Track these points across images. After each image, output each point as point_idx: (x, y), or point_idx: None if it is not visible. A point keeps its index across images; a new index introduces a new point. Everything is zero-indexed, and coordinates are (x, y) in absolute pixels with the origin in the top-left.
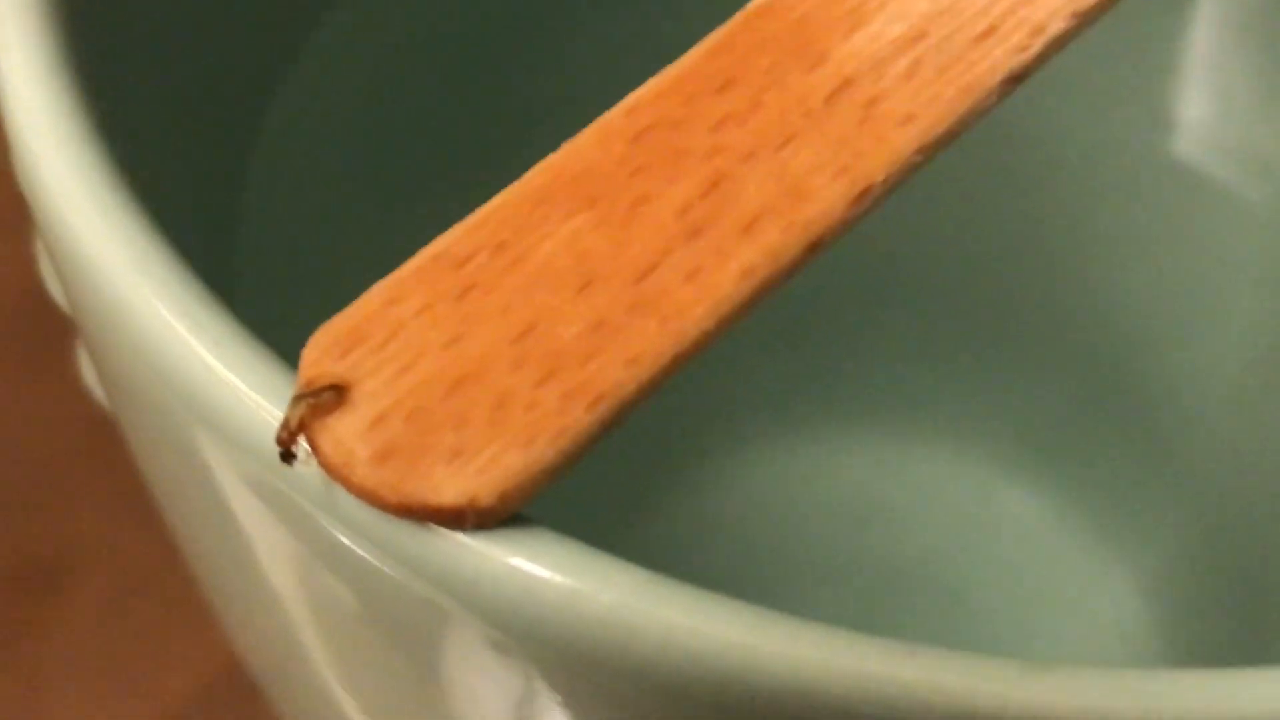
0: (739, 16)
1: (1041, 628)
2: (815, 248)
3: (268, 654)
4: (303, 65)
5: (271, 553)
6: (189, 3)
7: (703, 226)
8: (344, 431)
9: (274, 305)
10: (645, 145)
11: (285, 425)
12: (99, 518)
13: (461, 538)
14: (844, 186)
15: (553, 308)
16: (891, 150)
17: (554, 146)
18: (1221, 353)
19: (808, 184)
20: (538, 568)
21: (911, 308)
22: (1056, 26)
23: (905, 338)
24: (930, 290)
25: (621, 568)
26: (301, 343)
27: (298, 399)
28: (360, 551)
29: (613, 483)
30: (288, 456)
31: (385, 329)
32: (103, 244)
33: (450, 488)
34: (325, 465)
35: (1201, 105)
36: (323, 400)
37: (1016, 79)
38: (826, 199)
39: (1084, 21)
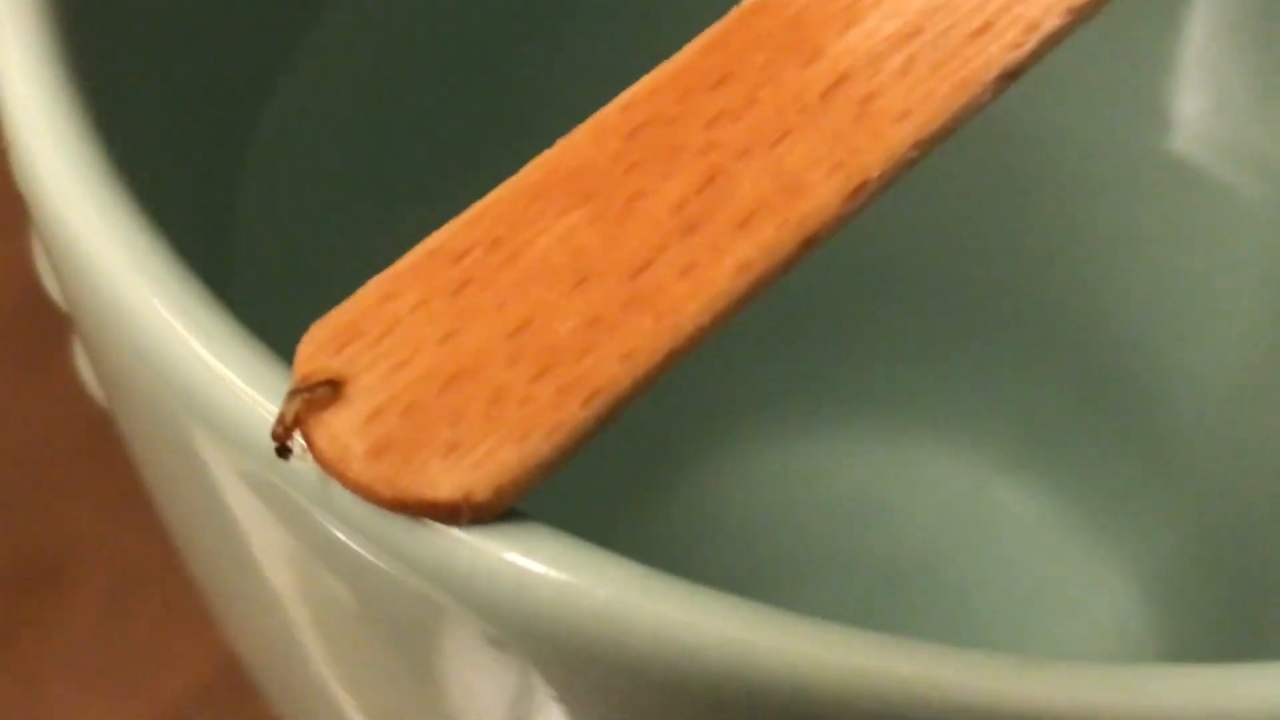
0: (734, 13)
1: (1039, 625)
2: (810, 243)
3: (265, 651)
4: (300, 64)
5: (268, 549)
6: (187, 1)
7: (698, 222)
8: (339, 426)
9: (270, 302)
10: (640, 141)
11: (281, 420)
12: (97, 516)
13: (456, 533)
14: (839, 182)
15: (548, 303)
16: (887, 146)
17: (550, 144)
18: (1220, 350)
19: (803, 180)
20: (533, 563)
21: (910, 306)
22: (1051, 23)
23: (904, 336)
24: (928, 288)
25: (617, 563)
26: (297, 339)
27: (293, 394)
28: (356, 547)
29: (611, 480)
30: (283, 452)
31: (381, 324)
32: (100, 242)
33: (445, 483)
34: (320, 460)
35: (1198, 103)
36: (318, 395)
37: (1011, 75)
38: (822, 195)
39: (1079, 18)
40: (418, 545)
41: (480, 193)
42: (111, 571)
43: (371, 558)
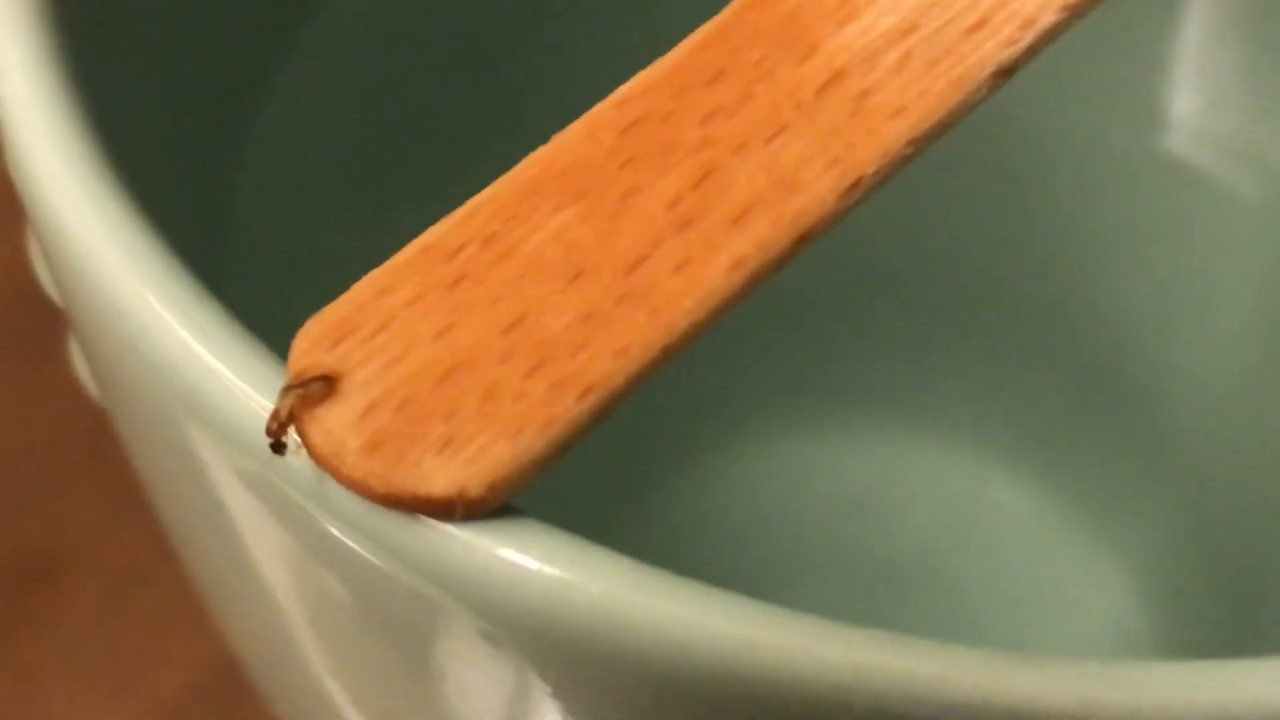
0: (730, 9)
1: (1034, 621)
2: (805, 239)
3: (261, 649)
4: (298, 61)
5: (263, 545)
6: None
7: (692, 218)
8: (334, 422)
9: (266, 299)
10: (635, 137)
11: (275, 416)
12: (94, 514)
13: (450, 528)
14: (834, 178)
15: (542, 299)
16: (882, 143)
17: (547, 140)
18: (1215, 347)
19: (798, 176)
20: (526, 558)
21: (909, 304)
22: (1047, 20)
23: (902, 335)
24: (927, 287)
25: (610, 559)
26: (293, 336)
27: (287, 390)
28: (350, 543)
29: (608, 478)
30: (278, 447)
31: (375, 320)
32: (95, 238)
33: (439, 478)
34: (315, 456)
35: (1195, 102)
36: (312, 391)
37: (1006, 72)
38: (817, 191)
39: (1074, 15)
40: (412, 541)
41: (476, 190)
42: (109, 569)
43: (366, 554)
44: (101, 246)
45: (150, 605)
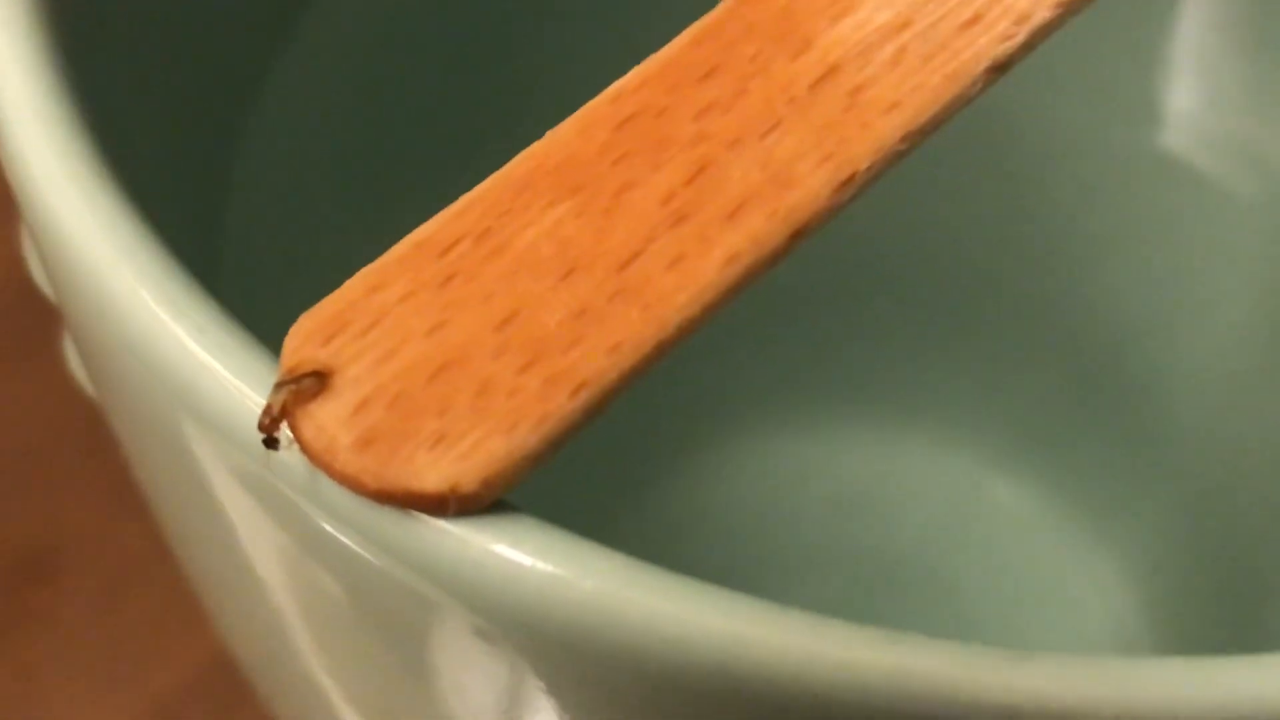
0: (724, 5)
1: (1030, 618)
2: (800, 235)
3: (256, 645)
4: (293, 58)
5: (257, 541)
6: None
7: (686, 214)
8: (326, 418)
9: (259, 294)
10: (629, 133)
11: (268, 412)
12: (90, 511)
13: (444, 524)
14: (828, 173)
15: (535, 295)
16: (876, 138)
17: (541, 136)
18: (1210, 344)
19: (792, 171)
20: (520, 554)
21: (905, 302)
22: (1041, 15)
23: (897, 331)
24: (923, 284)
25: (603, 554)
26: (285, 331)
27: (280, 385)
28: (343, 539)
29: (602, 476)
30: (271, 443)
31: (368, 316)
32: (88, 233)
33: (432, 474)
34: (308, 452)
35: (1191, 99)
36: (305, 386)
37: (1001, 68)
38: (811, 186)
39: (1068, 11)
40: (405, 537)
41: (469, 182)
42: (105, 566)
43: (359, 550)
44: (96, 243)
45: (148, 604)
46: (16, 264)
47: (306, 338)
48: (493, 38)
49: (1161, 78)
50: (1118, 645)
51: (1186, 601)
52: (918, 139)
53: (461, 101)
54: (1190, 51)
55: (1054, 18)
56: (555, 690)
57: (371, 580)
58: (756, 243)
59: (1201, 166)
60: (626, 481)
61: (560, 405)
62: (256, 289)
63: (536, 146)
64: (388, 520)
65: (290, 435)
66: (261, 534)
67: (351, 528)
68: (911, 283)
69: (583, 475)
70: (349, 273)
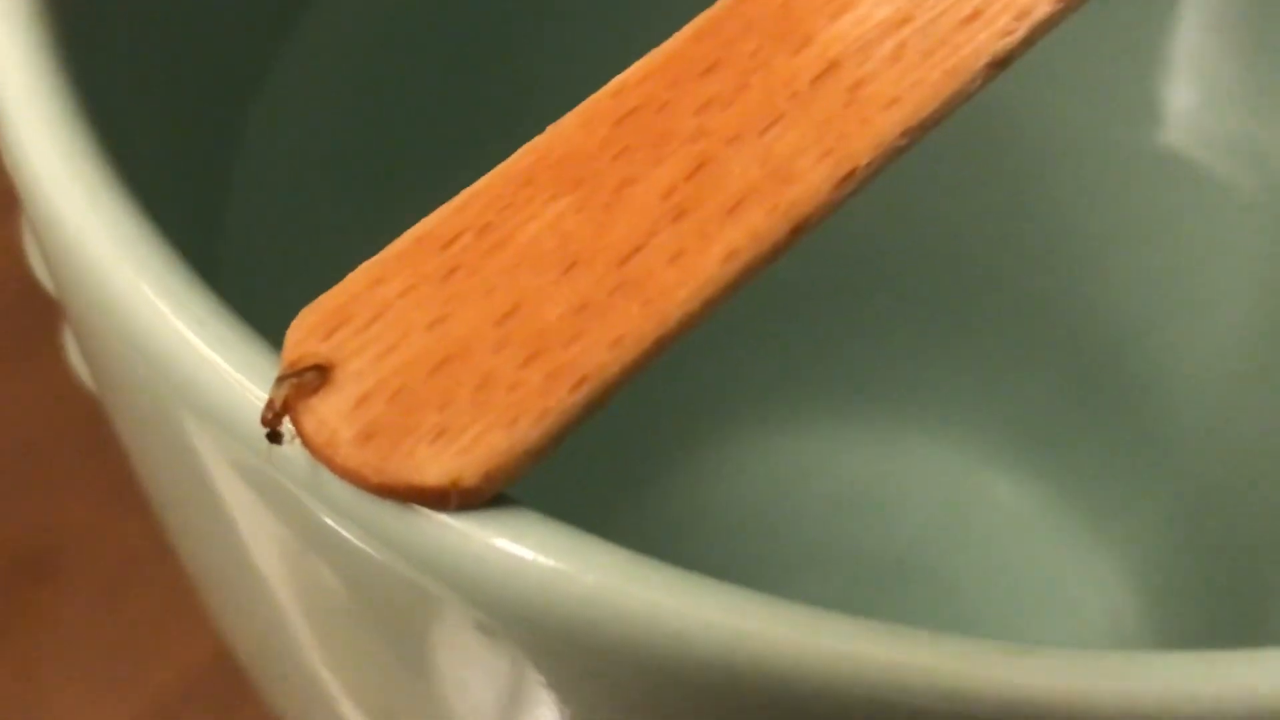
0: (724, 1)
1: (1029, 615)
2: (800, 230)
3: (257, 641)
4: (294, 55)
5: (257, 535)
6: None
7: (687, 209)
8: (328, 412)
9: (260, 288)
10: (630, 128)
11: (269, 406)
12: (90, 508)
13: (445, 518)
14: (828, 169)
15: (537, 289)
16: (876, 133)
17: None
18: (1214, 343)
19: (792, 166)
20: (521, 548)
21: (905, 300)
22: (1042, 11)
23: (898, 329)
24: (922, 283)
25: (605, 549)
26: (287, 325)
27: (281, 379)
28: (344, 533)
29: (603, 471)
30: (273, 437)
31: (370, 310)
32: (89, 228)
33: (433, 468)
34: (309, 445)
35: (1190, 96)
36: (306, 380)
37: (1001, 63)
38: (811, 181)
39: (1069, 7)
40: (406, 531)
41: (469, 177)
42: (105, 563)
43: (360, 544)
44: (97, 238)
45: (149, 602)
46: (17, 264)
47: (308, 331)
48: (493, 38)
49: (1161, 77)
50: (1117, 644)
51: (1186, 601)
52: (918, 134)
53: (461, 101)
54: (1190, 51)
55: (1054, 13)
56: (556, 685)
57: (373, 574)
58: (756, 238)
59: (1201, 165)
60: (626, 478)
61: (561, 399)
62: (256, 288)
63: (538, 141)
64: (389, 514)
65: (292, 429)
66: (262, 528)
67: (353, 522)
68: (912, 280)
69: (583, 472)
70: (349, 266)
